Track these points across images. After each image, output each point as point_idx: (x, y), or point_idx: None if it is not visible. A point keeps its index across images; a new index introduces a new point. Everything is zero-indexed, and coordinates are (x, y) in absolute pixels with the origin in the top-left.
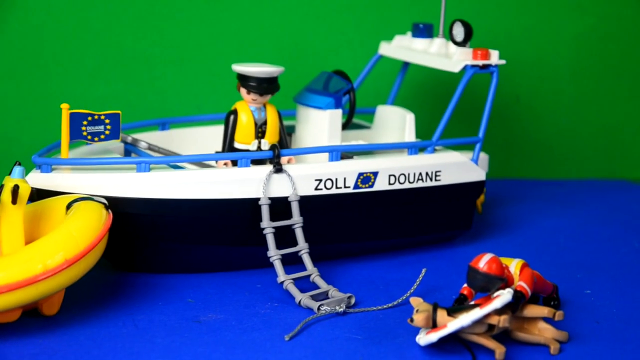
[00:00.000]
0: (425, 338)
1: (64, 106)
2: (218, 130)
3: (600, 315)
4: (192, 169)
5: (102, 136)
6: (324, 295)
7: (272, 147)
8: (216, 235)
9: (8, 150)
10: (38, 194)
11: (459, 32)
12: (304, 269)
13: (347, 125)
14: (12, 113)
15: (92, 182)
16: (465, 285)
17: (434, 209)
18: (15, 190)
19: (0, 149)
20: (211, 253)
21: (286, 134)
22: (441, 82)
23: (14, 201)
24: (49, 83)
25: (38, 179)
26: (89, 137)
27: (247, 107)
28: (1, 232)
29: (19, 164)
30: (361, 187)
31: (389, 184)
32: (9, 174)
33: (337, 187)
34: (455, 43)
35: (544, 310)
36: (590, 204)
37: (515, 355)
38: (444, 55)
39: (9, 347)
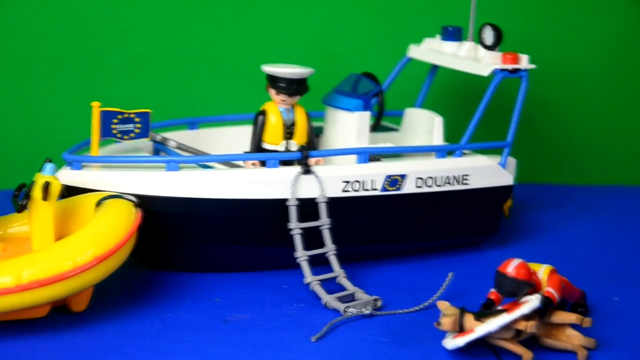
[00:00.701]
0: (452, 342)
1: (95, 104)
2: (246, 131)
3: (628, 322)
4: (221, 168)
5: (132, 134)
6: (351, 297)
7: (301, 148)
8: (244, 235)
9: (39, 147)
10: (68, 191)
11: (488, 35)
12: (331, 270)
13: (375, 127)
14: (43, 111)
15: (122, 180)
16: (492, 290)
17: (461, 212)
18: (46, 186)
19: (32, 146)
20: (238, 253)
21: (314, 135)
22: (470, 86)
23: (45, 198)
24: (80, 81)
25: (68, 176)
26: (119, 135)
27: (276, 108)
28: (32, 228)
29: (50, 161)
30: (389, 190)
31: (417, 187)
32: (40, 170)
33: (364, 189)
34: (485, 47)
35: (571, 317)
36: (619, 210)
37: None
38: (473, 58)
39: (38, 343)
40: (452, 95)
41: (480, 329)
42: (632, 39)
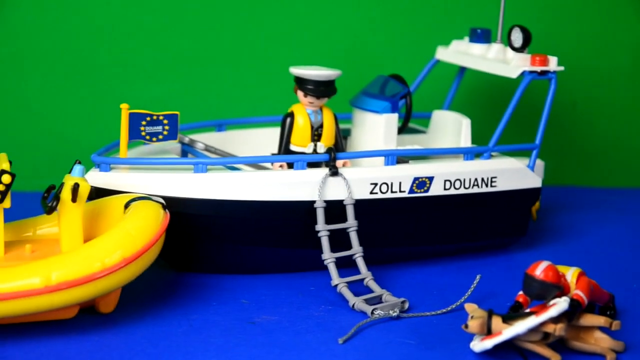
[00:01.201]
0: (479, 344)
1: (124, 106)
2: (274, 133)
3: None
4: (249, 170)
5: (160, 136)
6: (378, 299)
7: (328, 150)
8: (271, 237)
9: (68, 149)
10: (97, 193)
11: (517, 37)
12: (358, 272)
13: (403, 129)
14: (72, 113)
15: (150, 182)
16: (520, 292)
17: (489, 214)
18: (75, 188)
19: (61, 148)
20: (266, 254)
21: (342, 137)
22: (498, 88)
23: (74, 199)
24: (109, 84)
25: (97, 178)
26: (148, 137)
27: (303, 110)
28: (61, 229)
29: (79, 163)
30: (416, 192)
31: (445, 189)
32: (69, 172)
33: (392, 192)
34: (514, 49)
35: (600, 320)
36: None
37: None
38: (501, 60)
39: (66, 343)
40: (480, 97)
41: (508, 331)
42: None
